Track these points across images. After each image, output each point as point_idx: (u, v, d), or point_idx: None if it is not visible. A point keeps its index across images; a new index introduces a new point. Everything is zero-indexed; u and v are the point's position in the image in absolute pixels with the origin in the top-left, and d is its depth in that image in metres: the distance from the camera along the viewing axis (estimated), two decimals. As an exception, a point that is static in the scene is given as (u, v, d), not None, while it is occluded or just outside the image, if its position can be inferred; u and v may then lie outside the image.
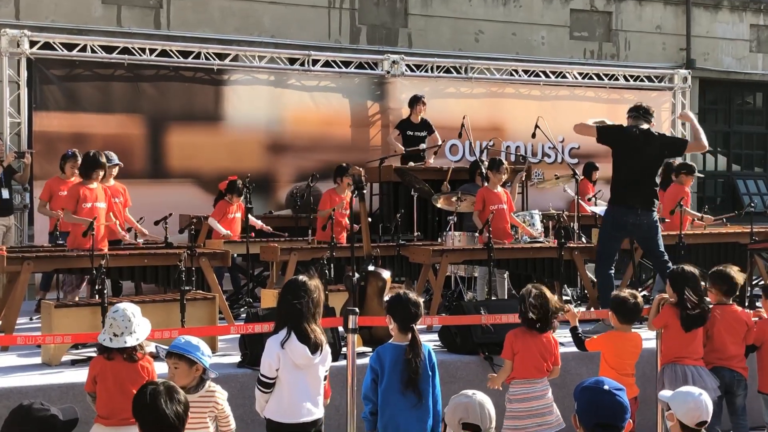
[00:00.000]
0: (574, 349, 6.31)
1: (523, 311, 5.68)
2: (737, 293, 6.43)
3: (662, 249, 8.02)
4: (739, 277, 6.31)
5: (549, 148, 12.62)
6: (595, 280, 8.38)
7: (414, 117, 11.45)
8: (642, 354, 6.08)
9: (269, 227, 9.98)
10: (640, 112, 8.01)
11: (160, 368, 4.91)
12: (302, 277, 4.77)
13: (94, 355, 5.27)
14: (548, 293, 5.73)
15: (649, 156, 7.86)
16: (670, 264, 7.69)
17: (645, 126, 7.94)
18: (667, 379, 6.07)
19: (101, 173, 8.13)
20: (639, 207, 7.84)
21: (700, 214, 10.94)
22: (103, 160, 8.18)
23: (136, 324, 4.79)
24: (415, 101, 11.44)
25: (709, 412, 3.94)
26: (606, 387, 3.43)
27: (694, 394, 3.99)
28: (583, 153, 12.91)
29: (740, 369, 6.25)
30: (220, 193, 9.91)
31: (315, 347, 4.65)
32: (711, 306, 6.24)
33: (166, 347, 4.75)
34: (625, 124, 8.12)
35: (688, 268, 6.28)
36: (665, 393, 4.20)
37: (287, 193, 11.76)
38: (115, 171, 9.30)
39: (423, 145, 11.30)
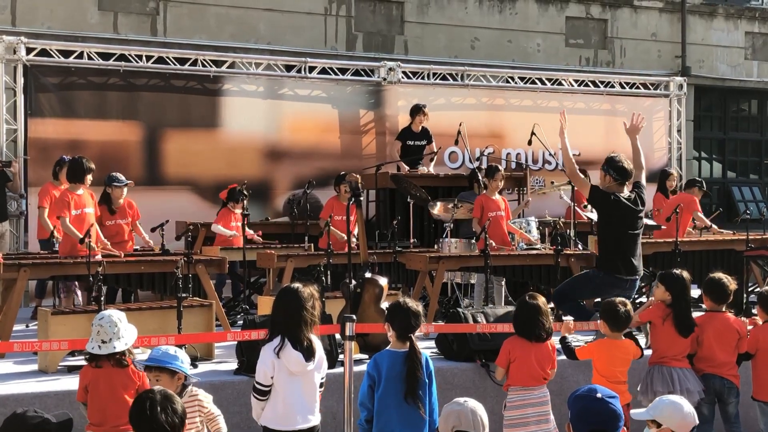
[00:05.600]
0: (571, 355, 6.33)
1: (528, 325, 5.70)
2: (730, 301, 6.42)
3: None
4: (732, 284, 6.31)
5: (550, 155, 12.62)
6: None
7: (415, 126, 11.42)
8: (638, 360, 6.09)
9: (259, 236, 9.96)
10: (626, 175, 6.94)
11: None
12: (296, 285, 4.76)
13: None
14: (546, 307, 5.77)
15: None
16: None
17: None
18: (655, 380, 6.13)
19: (89, 178, 8.09)
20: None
21: (709, 223, 10.74)
22: (92, 165, 8.11)
23: (123, 329, 4.77)
24: (417, 111, 11.40)
25: (696, 417, 3.99)
26: (599, 395, 3.43)
27: (682, 406, 3.94)
28: (583, 160, 12.88)
29: (730, 377, 6.23)
30: (224, 202, 9.96)
31: (309, 354, 4.64)
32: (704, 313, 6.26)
33: (143, 361, 4.74)
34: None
35: (686, 273, 6.32)
36: (638, 411, 4.13)
37: (284, 200, 11.78)
38: (125, 191, 9.02)
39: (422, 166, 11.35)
